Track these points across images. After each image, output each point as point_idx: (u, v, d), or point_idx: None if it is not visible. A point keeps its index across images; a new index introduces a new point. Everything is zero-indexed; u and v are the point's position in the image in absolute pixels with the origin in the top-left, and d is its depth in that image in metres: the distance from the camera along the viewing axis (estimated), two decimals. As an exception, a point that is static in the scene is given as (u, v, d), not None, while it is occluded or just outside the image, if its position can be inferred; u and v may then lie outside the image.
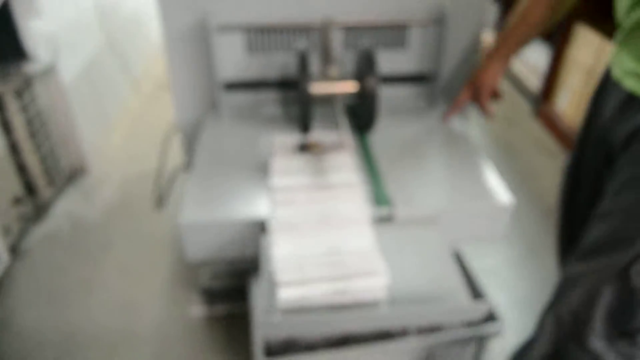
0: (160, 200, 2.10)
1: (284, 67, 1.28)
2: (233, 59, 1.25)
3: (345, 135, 1.05)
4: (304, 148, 1.06)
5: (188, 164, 1.41)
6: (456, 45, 1.28)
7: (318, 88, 1.11)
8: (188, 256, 0.94)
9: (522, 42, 1.10)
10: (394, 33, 1.27)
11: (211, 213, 0.92)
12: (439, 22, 1.24)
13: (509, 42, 1.10)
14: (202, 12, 1.18)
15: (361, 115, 1.15)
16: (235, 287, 1.36)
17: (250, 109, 1.31)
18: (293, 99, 1.29)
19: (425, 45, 1.29)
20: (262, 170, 1.03)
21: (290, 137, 1.10)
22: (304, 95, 1.07)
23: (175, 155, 1.97)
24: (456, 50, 1.29)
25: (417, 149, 1.14)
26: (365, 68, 1.12)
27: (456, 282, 0.83)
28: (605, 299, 0.73)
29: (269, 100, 1.32)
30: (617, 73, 0.81)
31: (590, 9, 2.10)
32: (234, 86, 1.28)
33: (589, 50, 2.28)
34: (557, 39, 2.52)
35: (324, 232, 0.84)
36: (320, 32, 1.21)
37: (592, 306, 0.74)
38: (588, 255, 0.78)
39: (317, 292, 0.74)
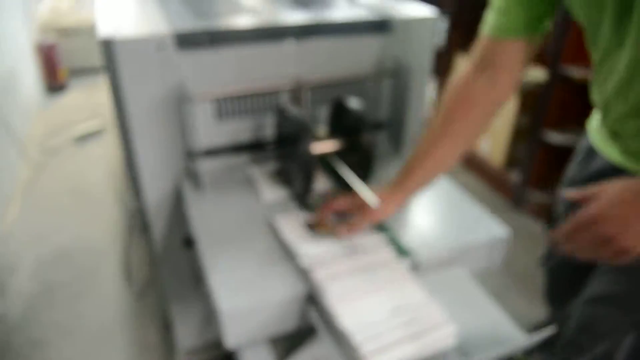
0: (130, 276, 1.93)
1: (256, 128, 1.27)
2: (205, 126, 1.21)
3: (367, 195, 1.01)
4: (312, 227, 1.03)
5: (154, 239, 1.32)
6: (415, 94, 1.38)
7: (315, 148, 1.12)
8: (229, 344, 0.88)
9: (436, 173, 0.98)
10: (356, 86, 1.34)
11: (252, 295, 0.88)
12: (396, 74, 1.33)
13: (417, 175, 0.96)
14: (170, 83, 1.13)
15: (353, 169, 1.18)
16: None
17: (228, 174, 1.27)
18: (282, 158, 1.26)
19: (387, 95, 1.38)
20: (274, 240, 1.02)
21: (295, 216, 1.08)
22: (306, 155, 1.07)
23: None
24: (415, 99, 1.39)
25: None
26: (350, 122, 1.16)
27: (502, 317, 0.90)
28: (626, 348, 0.83)
29: (245, 163, 1.30)
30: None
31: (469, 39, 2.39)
32: (208, 153, 1.24)
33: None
34: (440, 69, 2.80)
35: (377, 295, 0.85)
36: (293, 93, 1.24)
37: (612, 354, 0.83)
38: (600, 302, 0.87)
39: (402, 354, 0.75)
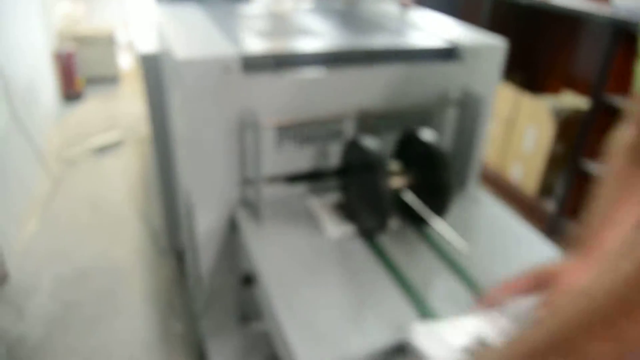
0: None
1: (316, 157, 1.20)
2: (266, 153, 1.14)
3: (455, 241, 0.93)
4: None
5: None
6: (481, 125, 1.31)
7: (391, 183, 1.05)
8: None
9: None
10: (420, 115, 1.27)
11: (335, 348, 0.80)
12: (463, 103, 1.26)
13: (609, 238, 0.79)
14: (234, 107, 1.06)
15: (426, 204, 1.11)
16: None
17: (286, 204, 1.19)
18: (347, 191, 1.18)
19: (451, 126, 1.31)
20: (349, 282, 0.94)
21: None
22: (382, 191, 0.99)
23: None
24: (481, 130, 1.31)
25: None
26: (421, 154, 1.09)
27: None
28: None
29: (303, 193, 1.22)
30: None
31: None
32: (268, 182, 1.17)
33: (506, 102, 2.56)
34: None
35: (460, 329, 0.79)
36: (359, 121, 1.17)
37: None
38: None
39: None
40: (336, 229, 1.08)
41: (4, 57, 2.22)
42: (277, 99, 1.09)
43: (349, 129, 1.19)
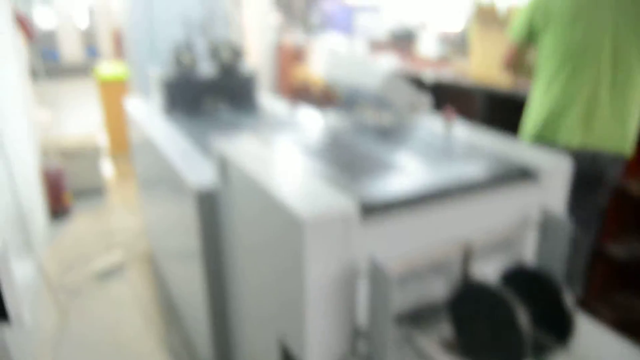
0: None
1: (421, 295, 1.16)
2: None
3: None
4: None
5: None
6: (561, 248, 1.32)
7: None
8: None
9: None
10: (503, 243, 1.28)
11: None
12: (543, 226, 1.28)
13: None
14: (348, 257, 1.02)
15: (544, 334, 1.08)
16: None
17: (394, 344, 1.13)
18: (463, 330, 1.14)
19: (531, 250, 1.32)
20: None
21: None
22: (521, 339, 0.96)
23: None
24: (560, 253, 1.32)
25: None
26: (534, 288, 1.08)
27: None
28: None
29: (407, 331, 1.17)
30: None
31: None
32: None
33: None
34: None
35: None
36: (463, 257, 1.15)
37: None
38: None
39: None
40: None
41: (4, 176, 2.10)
42: (390, 244, 1.07)
43: (453, 263, 1.17)
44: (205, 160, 1.67)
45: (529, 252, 1.33)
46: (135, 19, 3.43)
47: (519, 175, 1.28)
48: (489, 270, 1.25)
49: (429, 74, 3.28)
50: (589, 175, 1.85)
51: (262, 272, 1.25)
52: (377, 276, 0.99)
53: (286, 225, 1.01)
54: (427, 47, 4.34)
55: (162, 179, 1.98)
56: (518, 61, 2.02)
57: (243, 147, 1.37)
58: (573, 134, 1.83)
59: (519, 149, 1.40)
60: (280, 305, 1.15)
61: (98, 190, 3.95)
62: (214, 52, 2.44)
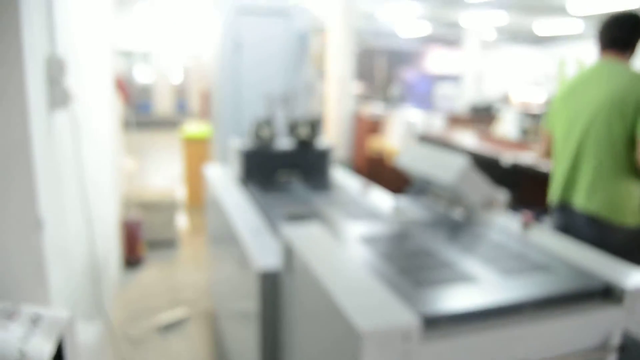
0: None
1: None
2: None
3: None
4: None
5: None
6: None
7: None
8: None
9: None
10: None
11: None
12: (624, 351, 1.17)
13: None
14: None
15: None
16: None
17: None
18: None
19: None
20: None
21: None
22: None
23: None
24: None
25: None
26: None
27: None
28: None
29: None
30: None
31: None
32: None
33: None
34: None
35: None
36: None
37: None
38: None
39: None
40: None
41: (94, 235, 2.24)
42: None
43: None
44: (273, 238, 1.70)
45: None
46: (223, 83, 3.65)
47: (600, 292, 1.20)
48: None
49: (508, 158, 3.21)
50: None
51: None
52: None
53: (343, 333, 0.99)
54: (507, 127, 4.27)
55: (230, 249, 2.03)
56: (548, 149, 2.40)
57: (309, 237, 1.38)
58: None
59: (601, 263, 1.31)
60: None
61: (172, 242, 4.12)
62: (293, 128, 2.54)
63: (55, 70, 1.68)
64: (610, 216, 2.07)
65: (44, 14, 1.64)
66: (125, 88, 3.99)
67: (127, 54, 11.89)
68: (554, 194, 2.31)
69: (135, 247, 3.64)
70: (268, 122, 2.51)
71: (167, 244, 4.09)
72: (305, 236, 1.39)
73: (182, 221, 4.73)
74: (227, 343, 2.37)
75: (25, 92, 1.41)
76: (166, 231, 4.09)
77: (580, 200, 2.13)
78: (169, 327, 2.85)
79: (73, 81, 1.97)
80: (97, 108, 2.76)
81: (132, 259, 3.65)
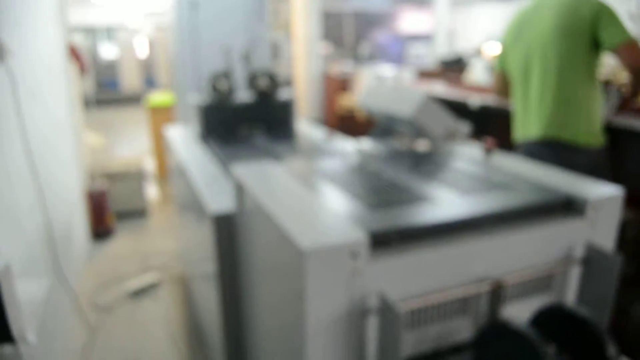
0: None
1: (441, 335, 1.05)
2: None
3: None
4: None
5: None
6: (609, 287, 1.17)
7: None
8: None
9: None
10: (544, 281, 1.14)
11: None
12: (588, 262, 1.14)
13: None
14: (357, 293, 0.93)
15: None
16: None
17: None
18: None
19: (574, 289, 1.18)
20: None
21: None
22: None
23: None
24: (608, 293, 1.18)
25: None
26: (570, 331, 0.94)
27: None
28: None
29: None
30: None
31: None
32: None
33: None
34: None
35: None
36: (491, 295, 1.04)
37: None
38: None
39: None
40: None
41: (47, 199, 2.14)
42: (405, 278, 0.97)
43: (480, 302, 1.05)
44: (229, 186, 1.63)
45: (571, 293, 1.19)
46: (182, 47, 3.52)
47: (561, 206, 1.16)
48: (524, 312, 1.11)
49: (475, 100, 3.16)
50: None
51: (272, 302, 1.17)
52: (385, 313, 0.90)
53: (290, 255, 0.94)
54: (477, 73, 4.22)
55: (189, 203, 1.96)
56: (503, 87, 2.40)
57: (260, 174, 1.32)
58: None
59: (563, 179, 1.27)
60: (286, 337, 1.07)
61: (141, 212, 4.02)
62: (252, 81, 2.44)
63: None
64: (573, 139, 2.05)
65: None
66: (81, 57, 3.80)
67: (90, 30, 11.49)
68: (517, 131, 2.29)
69: (103, 218, 3.54)
70: (226, 75, 2.41)
71: (137, 214, 3.99)
72: (256, 173, 1.33)
73: (152, 191, 4.62)
74: (196, 302, 2.32)
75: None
76: (135, 201, 3.99)
77: (544, 130, 2.11)
78: (140, 293, 2.78)
79: (8, 36, 1.84)
80: (45, 71, 2.62)
81: (101, 230, 3.55)
